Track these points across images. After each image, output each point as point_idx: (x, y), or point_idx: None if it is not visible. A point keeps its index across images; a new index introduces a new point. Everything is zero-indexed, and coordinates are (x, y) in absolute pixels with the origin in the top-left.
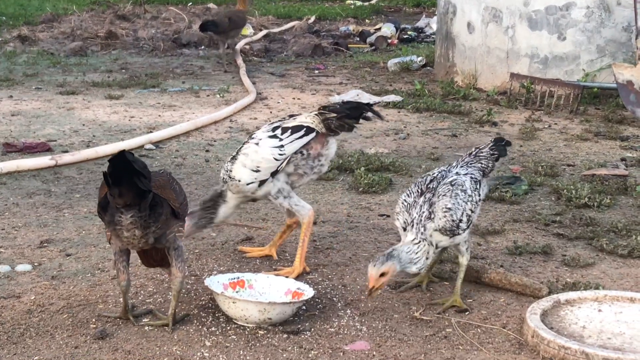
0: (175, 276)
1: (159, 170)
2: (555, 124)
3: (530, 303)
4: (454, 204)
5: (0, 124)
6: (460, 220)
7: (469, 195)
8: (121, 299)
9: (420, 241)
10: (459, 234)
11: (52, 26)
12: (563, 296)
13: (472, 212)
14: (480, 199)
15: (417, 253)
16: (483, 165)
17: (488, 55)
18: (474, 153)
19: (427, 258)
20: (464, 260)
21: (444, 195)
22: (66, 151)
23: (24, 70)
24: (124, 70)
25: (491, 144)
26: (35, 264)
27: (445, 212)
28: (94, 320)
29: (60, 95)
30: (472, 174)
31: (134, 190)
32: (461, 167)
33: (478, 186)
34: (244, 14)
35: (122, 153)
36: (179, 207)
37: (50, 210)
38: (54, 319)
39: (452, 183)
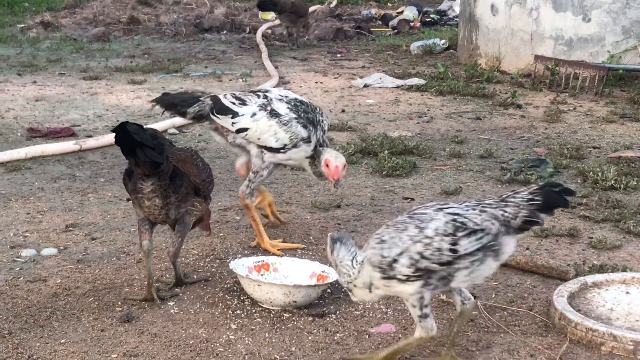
0: (169, 250)
1: (186, 147)
2: (581, 106)
3: (557, 286)
4: (392, 237)
5: (24, 110)
6: (395, 261)
7: (427, 237)
8: (146, 268)
9: (356, 262)
10: (394, 277)
11: (75, 12)
12: (590, 278)
13: (425, 258)
14: (457, 253)
15: (346, 266)
16: (507, 214)
17: (512, 37)
18: (505, 197)
19: (353, 284)
20: (416, 333)
21: (391, 225)
22: (90, 136)
23: (47, 55)
24: (146, 56)
25: (535, 188)
26: (61, 247)
27: (377, 242)
28: (119, 303)
29: (83, 81)
30: (469, 217)
31: (149, 160)
32: (471, 206)
33: (464, 235)
34: (307, 5)
35: (123, 125)
36: (200, 183)
37: (75, 195)
38: (80, 302)
39: (412, 215)
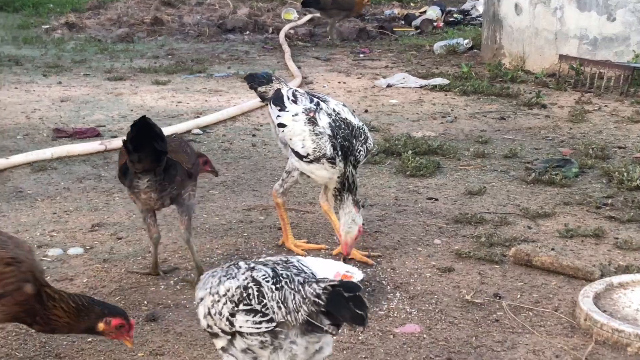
0: (180, 229)
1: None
2: (606, 105)
3: (583, 286)
4: (206, 278)
5: (50, 110)
6: (208, 314)
7: (217, 294)
8: (152, 253)
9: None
10: (216, 335)
11: (99, 13)
12: (616, 279)
13: (210, 316)
14: (234, 327)
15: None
16: (294, 303)
17: (536, 36)
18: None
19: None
20: None
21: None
22: (115, 136)
23: (72, 56)
24: (170, 56)
25: (328, 284)
26: (87, 247)
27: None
28: (145, 302)
29: (108, 81)
30: (262, 290)
31: (151, 155)
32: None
33: (244, 310)
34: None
35: (144, 118)
36: (191, 168)
37: (100, 195)
38: (106, 301)
39: (235, 263)
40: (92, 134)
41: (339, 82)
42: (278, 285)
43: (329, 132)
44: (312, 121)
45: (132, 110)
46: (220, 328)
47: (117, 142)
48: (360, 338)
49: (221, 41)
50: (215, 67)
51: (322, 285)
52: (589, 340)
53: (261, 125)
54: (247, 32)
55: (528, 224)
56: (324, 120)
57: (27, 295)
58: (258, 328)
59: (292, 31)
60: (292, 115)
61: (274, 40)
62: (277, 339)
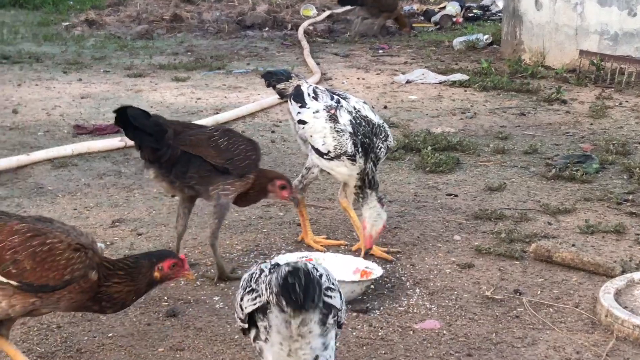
0: (206, 232)
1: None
2: (627, 101)
3: (603, 282)
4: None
5: (70, 107)
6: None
7: (244, 280)
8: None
9: None
10: (242, 330)
11: (118, 10)
12: (637, 275)
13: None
14: (243, 310)
15: None
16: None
17: (556, 32)
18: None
19: None
20: None
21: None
22: None
23: (92, 53)
24: (189, 53)
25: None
26: (108, 243)
27: None
28: (165, 298)
29: (127, 78)
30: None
31: (149, 147)
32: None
33: (246, 291)
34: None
35: (124, 108)
36: (224, 163)
37: (120, 191)
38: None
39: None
40: (112, 130)
41: (358, 78)
42: (272, 270)
43: (349, 129)
44: (333, 118)
45: (152, 106)
46: (238, 317)
47: None
48: (379, 334)
49: (240, 38)
50: (234, 64)
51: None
52: (609, 337)
53: (280, 122)
54: (266, 29)
55: (548, 220)
56: (344, 118)
57: (92, 282)
58: (254, 304)
59: (311, 27)
60: (313, 112)
61: (292, 36)
62: (267, 317)
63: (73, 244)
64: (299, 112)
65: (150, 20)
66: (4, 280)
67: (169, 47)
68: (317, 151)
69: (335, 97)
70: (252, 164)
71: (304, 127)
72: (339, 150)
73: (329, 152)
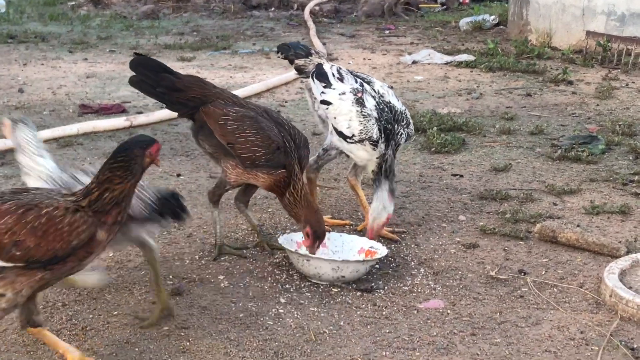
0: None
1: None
2: (633, 82)
3: (608, 263)
4: None
5: (76, 86)
6: None
7: None
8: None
9: None
10: None
11: None
12: None
13: None
14: None
15: None
16: None
17: (563, 13)
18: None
19: None
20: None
21: None
22: (140, 112)
23: (97, 33)
24: (195, 33)
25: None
26: None
27: None
28: (170, 276)
29: None
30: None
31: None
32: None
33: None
34: None
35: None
36: (227, 145)
37: None
38: (132, 276)
39: None
40: (118, 110)
41: (364, 59)
42: None
43: (375, 114)
44: (360, 102)
45: None
46: None
47: (142, 118)
48: (384, 313)
49: (246, 18)
50: (240, 44)
51: None
52: (614, 317)
53: (286, 102)
54: (272, 9)
55: (554, 200)
56: (370, 102)
57: (101, 242)
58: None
59: (317, 8)
60: (339, 94)
61: (299, 16)
62: None
63: (70, 206)
64: (322, 92)
65: (156, 0)
66: (10, 265)
67: (175, 27)
68: (340, 134)
69: (359, 80)
70: (256, 160)
71: (327, 108)
72: (364, 135)
73: (353, 135)
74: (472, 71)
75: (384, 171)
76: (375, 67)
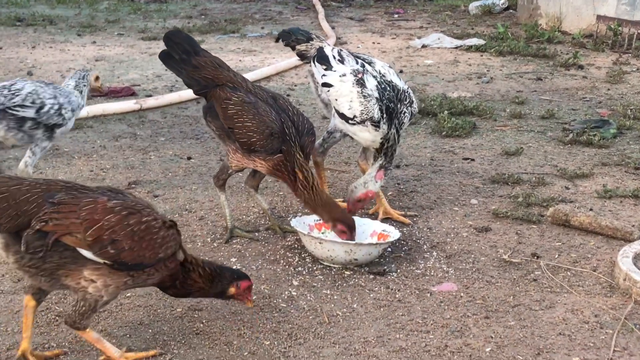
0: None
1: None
2: None
3: (621, 246)
4: None
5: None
6: None
7: None
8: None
9: None
10: None
11: None
12: None
13: None
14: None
15: None
16: None
17: None
18: None
19: None
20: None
21: None
22: (150, 95)
23: (105, 16)
24: (203, 16)
25: None
26: None
27: None
28: None
29: (142, 41)
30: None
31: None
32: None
33: None
34: None
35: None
36: (227, 128)
37: (136, 153)
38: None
39: None
40: (127, 92)
41: (373, 43)
42: None
43: (376, 94)
44: (361, 83)
45: (166, 70)
46: None
47: (152, 101)
48: (397, 296)
49: (254, 1)
50: (248, 27)
51: None
52: (628, 300)
53: (295, 85)
54: None
55: (566, 184)
56: (371, 82)
57: (177, 262)
58: None
59: None
60: (340, 76)
61: (307, 0)
62: None
63: (167, 221)
64: (323, 75)
65: None
66: (100, 260)
67: (183, 11)
68: (342, 115)
69: (360, 61)
70: (252, 145)
71: (328, 90)
72: (365, 116)
73: (354, 117)
74: (482, 55)
75: (384, 150)
76: (385, 51)
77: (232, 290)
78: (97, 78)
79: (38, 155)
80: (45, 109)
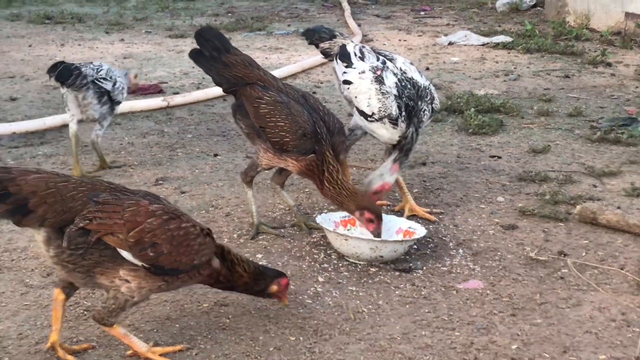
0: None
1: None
2: None
3: None
4: None
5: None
6: None
7: None
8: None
9: None
10: None
11: None
12: None
13: None
14: None
15: None
16: None
17: None
18: None
19: None
20: None
21: None
22: (177, 93)
23: (133, 14)
24: (230, 14)
25: None
26: None
27: None
28: None
29: (169, 39)
30: None
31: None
32: None
33: None
34: None
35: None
36: (258, 127)
37: (164, 150)
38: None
39: None
40: (155, 90)
41: (400, 40)
42: None
43: (395, 91)
44: (379, 80)
45: (193, 67)
46: None
47: (179, 99)
48: (422, 293)
49: None
50: (275, 25)
51: None
52: None
53: (321, 83)
54: None
55: (593, 182)
56: (390, 79)
57: (213, 269)
58: None
59: None
60: (359, 73)
61: None
62: None
63: (205, 229)
64: (344, 72)
65: None
66: (138, 262)
67: (210, 8)
68: (362, 112)
69: (381, 57)
70: (284, 145)
71: (348, 88)
72: (383, 113)
73: (373, 114)
74: (509, 52)
75: (400, 146)
76: (411, 49)
77: (274, 287)
78: (135, 76)
79: (105, 127)
80: (117, 84)
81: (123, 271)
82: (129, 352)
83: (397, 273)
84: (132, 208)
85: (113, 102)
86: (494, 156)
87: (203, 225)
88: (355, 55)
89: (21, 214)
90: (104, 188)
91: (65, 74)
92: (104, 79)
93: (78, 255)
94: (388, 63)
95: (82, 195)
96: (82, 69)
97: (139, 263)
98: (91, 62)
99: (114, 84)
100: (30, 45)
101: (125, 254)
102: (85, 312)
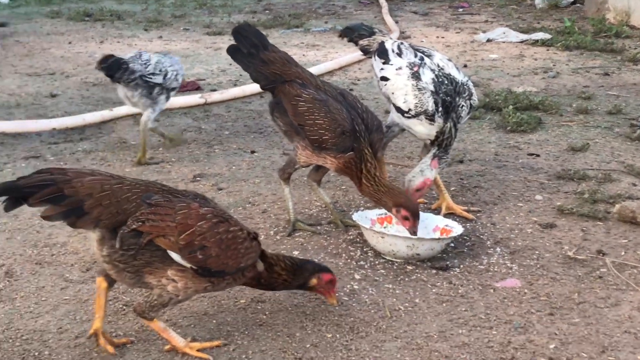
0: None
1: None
2: None
3: None
4: None
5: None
6: None
7: None
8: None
9: None
10: None
11: None
12: None
13: None
14: None
15: None
16: None
17: None
18: None
19: None
20: None
21: None
22: (215, 90)
23: (172, 11)
24: (267, 11)
25: None
26: None
27: None
28: None
29: (207, 36)
30: None
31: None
32: None
33: None
34: None
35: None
36: (297, 125)
37: (201, 146)
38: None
39: None
40: (193, 87)
41: (437, 37)
42: None
43: (431, 87)
44: (416, 76)
45: (230, 64)
46: None
47: (217, 96)
48: (459, 291)
49: None
50: (312, 22)
51: None
52: None
53: (358, 80)
54: None
55: (633, 181)
56: (427, 76)
57: (257, 272)
58: None
59: None
60: (396, 69)
61: None
62: None
63: (251, 232)
64: (382, 69)
65: None
66: (187, 265)
67: (247, 6)
68: (398, 109)
69: (419, 54)
70: (323, 143)
71: (386, 84)
72: (420, 109)
73: (409, 110)
74: (548, 50)
75: (438, 142)
76: (449, 45)
77: (313, 281)
78: None
79: (157, 112)
80: (169, 75)
81: (171, 271)
82: (167, 346)
83: (434, 271)
84: (183, 211)
85: (168, 91)
86: (532, 154)
87: (250, 229)
88: (393, 51)
89: (76, 216)
90: (157, 190)
91: (114, 67)
92: (153, 74)
93: (129, 255)
94: (426, 59)
95: (135, 197)
96: (130, 65)
97: (188, 265)
98: (140, 54)
99: (165, 75)
100: (70, 42)
101: (175, 256)
102: (124, 307)
